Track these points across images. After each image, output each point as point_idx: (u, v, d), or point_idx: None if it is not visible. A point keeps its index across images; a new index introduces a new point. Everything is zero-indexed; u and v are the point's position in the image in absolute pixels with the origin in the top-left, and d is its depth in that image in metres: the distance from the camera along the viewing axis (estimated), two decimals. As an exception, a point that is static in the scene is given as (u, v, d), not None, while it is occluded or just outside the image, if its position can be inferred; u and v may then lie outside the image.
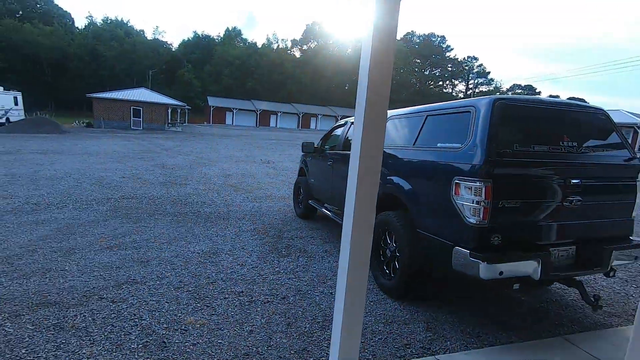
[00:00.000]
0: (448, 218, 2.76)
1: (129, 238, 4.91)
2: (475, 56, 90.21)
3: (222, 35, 73.27)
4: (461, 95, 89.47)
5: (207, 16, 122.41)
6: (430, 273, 3.19)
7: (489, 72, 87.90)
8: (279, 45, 74.68)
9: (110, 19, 64.33)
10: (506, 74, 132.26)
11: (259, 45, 72.93)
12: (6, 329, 2.67)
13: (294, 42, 75.19)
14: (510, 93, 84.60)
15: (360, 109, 1.62)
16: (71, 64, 55.80)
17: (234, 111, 52.37)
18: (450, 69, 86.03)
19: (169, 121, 39.31)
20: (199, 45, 69.70)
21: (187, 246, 4.68)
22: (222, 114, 52.07)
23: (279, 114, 54.57)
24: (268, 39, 75.36)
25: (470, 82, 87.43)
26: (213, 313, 3.06)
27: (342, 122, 5.45)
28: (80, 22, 69.35)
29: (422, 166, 3.23)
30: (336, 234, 5.47)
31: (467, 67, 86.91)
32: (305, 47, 74.41)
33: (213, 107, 50.73)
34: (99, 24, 64.06)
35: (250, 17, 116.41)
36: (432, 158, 3.10)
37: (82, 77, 54.21)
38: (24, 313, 2.90)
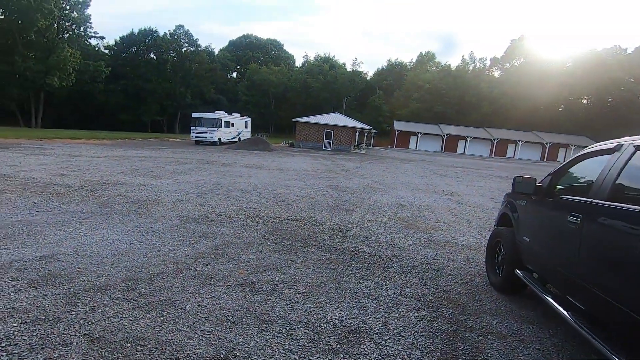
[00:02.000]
0: None
1: (268, 276, 4.11)
2: None
3: (414, 61, 73.89)
4: None
5: (402, 44, 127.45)
6: None
7: None
8: (475, 66, 68.99)
9: (320, 56, 75.46)
10: None
11: (453, 67, 69.39)
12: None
13: (494, 61, 67.62)
14: None
15: None
16: (288, 94, 68.18)
17: (419, 135, 50.91)
18: None
19: (355, 143, 41.56)
20: (391, 72, 72.52)
21: (325, 307, 3.44)
22: (406, 137, 51.54)
23: (468, 139, 49.50)
24: (463, 60, 70.78)
25: None
26: None
27: (603, 146, 3.07)
28: (299, 61, 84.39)
29: None
30: (581, 349, 3.09)
31: None
32: (507, 65, 65.70)
33: (398, 130, 50.89)
34: (311, 62, 76.15)
35: (448, 41, 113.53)
36: None
37: (295, 105, 65.14)
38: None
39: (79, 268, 3.97)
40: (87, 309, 3.04)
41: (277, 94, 68.49)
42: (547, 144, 48.22)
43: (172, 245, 5.00)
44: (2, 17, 40.62)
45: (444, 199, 10.73)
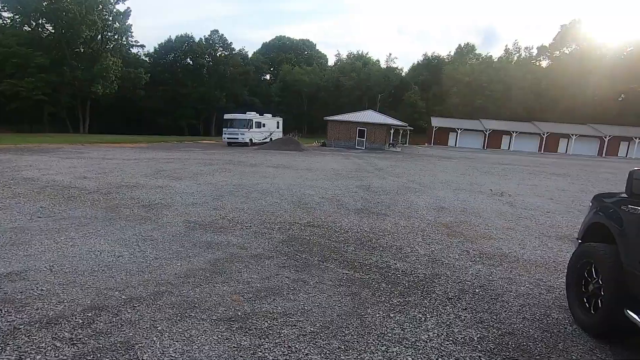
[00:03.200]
0: None
1: (269, 305, 3.18)
2: None
3: (452, 54, 70.31)
4: None
5: (439, 39, 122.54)
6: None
7: None
8: (520, 55, 64.23)
9: (353, 53, 74.06)
10: None
11: (495, 58, 65.19)
12: None
13: (542, 50, 62.50)
14: None
15: None
16: (321, 94, 67.44)
17: (458, 132, 48.08)
18: None
19: (391, 141, 39.90)
20: (428, 67, 69.42)
21: None
22: (444, 134, 48.90)
23: (513, 134, 45.97)
24: (507, 50, 66.15)
25: None
26: None
27: None
28: (332, 61, 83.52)
29: None
30: None
31: None
32: (557, 53, 60.50)
33: (435, 127, 48.40)
34: (344, 60, 74.95)
35: (489, 33, 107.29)
36: None
37: (327, 104, 64.24)
38: None
39: (42, 290, 3.26)
40: (13, 359, 2.26)
41: (309, 94, 67.99)
42: (605, 137, 43.59)
43: (165, 259, 4.23)
44: (53, 30, 43.40)
45: (493, 200, 9.28)
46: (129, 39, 50.72)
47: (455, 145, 47.88)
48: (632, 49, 54.44)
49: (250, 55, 73.95)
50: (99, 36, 44.96)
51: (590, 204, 3.55)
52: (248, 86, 65.88)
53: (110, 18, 45.31)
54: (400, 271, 4.21)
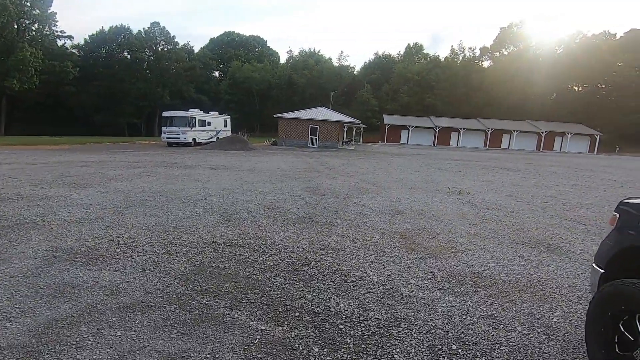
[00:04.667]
0: None
1: None
2: None
3: (402, 53, 71.66)
4: None
5: (389, 39, 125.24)
6: None
7: None
8: (465, 55, 66.94)
9: (305, 51, 72.74)
10: None
11: (442, 58, 67.40)
12: None
13: (484, 50, 65.65)
14: None
15: None
16: (273, 92, 65.41)
17: (410, 129, 48.74)
18: None
19: (344, 139, 39.20)
20: (379, 66, 70.14)
21: None
22: (397, 132, 49.33)
23: (461, 130, 47.49)
24: (452, 50, 68.64)
25: None
26: None
27: None
28: (284, 58, 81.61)
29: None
30: None
31: None
32: (497, 54, 63.88)
33: (388, 125, 48.65)
34: (296, 57, 73.43)
35: (436, 34, 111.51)
36: None
37: (280, 102, 62.43)
38: None
39: None
40: None
41: (261, 92, 65.68)
42: (542, 132, 46.49)
43: (-42, 328, 2.53)
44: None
45: (452, 199, 8.39)
46: (53, 28, 45.11)
47: (408, 142, 48.50)
48: (562, 51, 58.98)
49: (197, 50, 69.94)
50: (15, 24, 39.36)
51: (616, 215, 2.44)
52: (195, 83, 62.07)
53: (28, 4, 39.85)
54: (344, 318, 2.89)
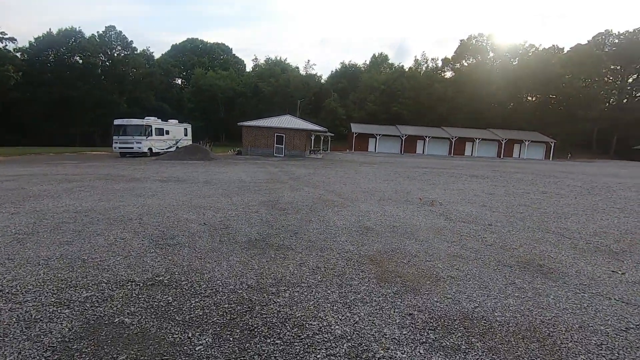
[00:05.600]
0: None
1: None
2: None
3: (368, 63, 72.65)
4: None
5: (355, 50, 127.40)
6: None
7: None
8: (428, 66, 68.94)
9: (271, 59, 71.90)
10: None
11: (406, 68, 68.96)
12: None
13: (445, 62, 67.95)
14: None
15: None
16: (238, 100, 63.77)
17: (377, 137, 48.95)
18: (672, 73, 62.20)
19: (312, 148, 38.48)
20: (346, 75, 70.62)
21: None
22: (364, 140, 49.38)
23: (427, 139, 48.29)
24: (416, 61, 70.54)
25: None
26: None
27: None
28: (250, 67, 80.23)
29: None
30: None
31: (703, 68, 61.27)
32: (458, 65, 66.26)
33: (356, 133, 48.57)
34: (262, 65, 72.36)
35: (401, 46, 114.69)
36: None
37: (246, 111, 60.90)
38: None
39: None
40: None
41: (226, 100, 63.85)
42: (502, 140, 48.26)
43: None
44: None
45: (424, 211, 7.68)
46: (-8, 29, 41.19)
47: (375, 150, 48.62)
48: (517, 63, 62.16)
49: (157, 56, 67.05)
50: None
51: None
52: (155, 90, 59.19)
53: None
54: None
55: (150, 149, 25.57)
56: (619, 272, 4.22)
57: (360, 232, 5.84)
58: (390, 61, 73.07)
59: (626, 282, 3.93)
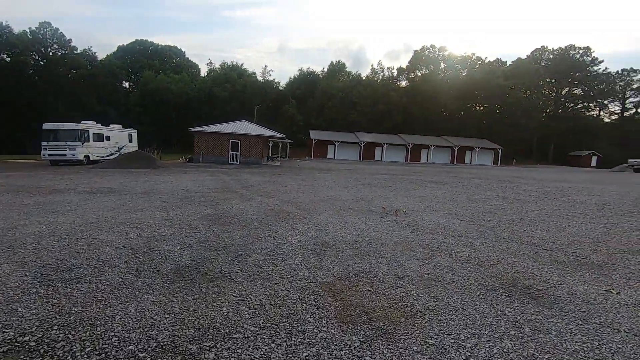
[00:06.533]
0: None
1: None
2: (635, 68, 70.30)
3: (325, 70, 72.88)
4: (615, 117, 71.17)
5: (314, 60, 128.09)
6: None
7: (656, 87, 67.45)
8: (384, 75, 70.51)
9: (227, 64, 69.66)
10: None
11: (363, 76, 70.04)
12: None
13: (400, 71, 69.99)
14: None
15: None
16: (192, 105, 60.81)
17: (336, 144, 48.77)
18: (597, 86, 69.01)
19: (269, 155, 37.27)
20: (304, 81, 70.11)
21: None
22: (323, 147, 48.99)
23: (384, 146, 48.94)
24: (373, 70, 71.90)
25: (628, 100, 68.48)
26: None
27: None
28: (205, 71, 77.17)
29: None
30: None
31: (622, 83, 68.63)
32: (412, 74, 68.52)
33: (315, 140, 48.02)
34: (217, 70, 69.90)
35: (357, 57, 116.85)
36: None
37: (200, 117, 58.18)
38: None
39: None
40: None
41: (178, 105, 60.54)
42: (455, 147, 50.17)
43: None
44: None
45: (389, 222, 6.95)
46: None
47: (334, 157, 48.36)
48: (466, 74, 65.52)
49: (100, 57, 62.25)
50: None
51: None
52: (98, 93, 54.68)
53: None
54: None
55: (87, 156, 22.94)
56: (613, 292, 3.68)
57: (318, 250, 4.93)
58: (347, 69, 73.86)
59: (626, 306, 3.37)
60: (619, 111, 70.23)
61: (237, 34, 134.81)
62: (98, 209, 7.63)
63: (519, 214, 8.10)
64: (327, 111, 61.72)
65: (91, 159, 23.40)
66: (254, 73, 70.97)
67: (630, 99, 68.93)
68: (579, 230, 6.53)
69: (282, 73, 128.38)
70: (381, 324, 2.91)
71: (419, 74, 68.13)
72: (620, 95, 70.34)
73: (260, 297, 3.36)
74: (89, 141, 23.17)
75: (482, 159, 51.17)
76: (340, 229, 6.22)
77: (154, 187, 11.92)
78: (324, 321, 2.94)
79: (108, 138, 25.76)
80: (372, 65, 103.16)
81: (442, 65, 66.97)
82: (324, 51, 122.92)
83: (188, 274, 3.90)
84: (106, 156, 25.01)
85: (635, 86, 67.87)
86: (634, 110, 68.35)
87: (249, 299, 3.32)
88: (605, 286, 3.84)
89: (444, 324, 2.94)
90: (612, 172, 36.04)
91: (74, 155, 21.95)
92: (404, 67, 68.54)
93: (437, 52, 66.84)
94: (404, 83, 70.05)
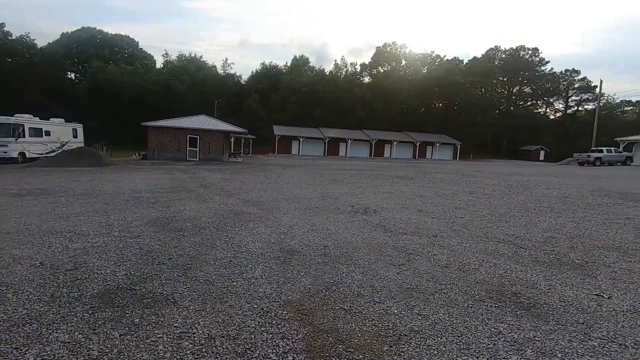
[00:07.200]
0: None
1: None
2: (577, 69, 75.96)
3: (289, 65, 71.69)
4: (559, 114, 76.54)
5: (277, 55, 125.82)
6: None
7: (594, 87, 73.30)
8: (347, 71, 70.57)
9: (185, 56, 66.36)
10: (614, 88, 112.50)
11: (327, 72, 69.67)
12: None
13: (364, 67, 70.39)
14: (618, 111, 69.69)
15: None
16: (147, 99, 57.26)
17: (300, 140, 48.08)
18: (544, 85, 73.76)
19: (231, 151, 35.88)
20: (267, 76, 68.42)
21: None
22: (287, 143, 48.11)
23: (349, 141, 48.97)
24: (337, 65, 71.74)
25: (570, 99, 73.90)
26: None
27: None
28: (160, 63, 73.05)
29: None
30: None
31: (565, 82, 73.88)
32: (375, 71, 69.19)
33: (278, 135, 47.00)
34: (174, 62, 66.42)
35: (321, 52, 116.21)
36: None
37: (157, 110, 54.92)
38: None
39: None
40: None
41: (132, 98, 56.76)
42: (417, 142, 51.30)
43: None
44: None
45: (359, 222, 6.46)
46: None
47: (299, 153, 47.68)
48: (425, 71, 67.25)
49: (40, 45, 56.86)
50: None
51: None
52: (39, 85, 49.86)
53: None
54: None
55: (22, 153, 20.55)
56: (605, 296, 3.40)
57: (282, 259, 4.30)
58: (311, 64, 73.17)
59: (622, 313, 3.08)
60: (563, 109, 75.52)
61: (195, 26, 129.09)
62: (21, 215, 6.47)
63: (489, 209, 7.96)
64: (291, 106, 60.71)
65: (27, 156, 21.02)
66: (214, 66, 68.38)
67: (573, 98, 74.32)
68: (550, 225, 6.42)
69: (245, 68, 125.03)
70: (361, 357, 2.36)
71: (382, 70, 68.95)
72: (564, 94, 75.60)
73: (209, 327, 2.69)
74: (24, 136, 20.76)
75: (442, 154, 52.78)
76: (306, 232, 5.63)
77: (97, 187, 10.64)
78: (289, 358, 2.34)
79: (48, 133, 23.28)
80: (336, 60, 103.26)
81: (404, 62, 68.24)
82: (286, 47, 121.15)
83: (119, 299, 3.13)
84: (46, 153, 22.61)
85: (576, 86, 73.14)
86: (576, 108, 73.75)
87: (194, 331, 2.63)
88: (594, 289, 3.57)
89: (434, 351, 2.44)
90: (560, 165, 38.50)
91: (5, 152, 19.55)
92: (367, 63, 69.00)
93: (398, 49, 67.98)
94: (367, 79, 70.62)
